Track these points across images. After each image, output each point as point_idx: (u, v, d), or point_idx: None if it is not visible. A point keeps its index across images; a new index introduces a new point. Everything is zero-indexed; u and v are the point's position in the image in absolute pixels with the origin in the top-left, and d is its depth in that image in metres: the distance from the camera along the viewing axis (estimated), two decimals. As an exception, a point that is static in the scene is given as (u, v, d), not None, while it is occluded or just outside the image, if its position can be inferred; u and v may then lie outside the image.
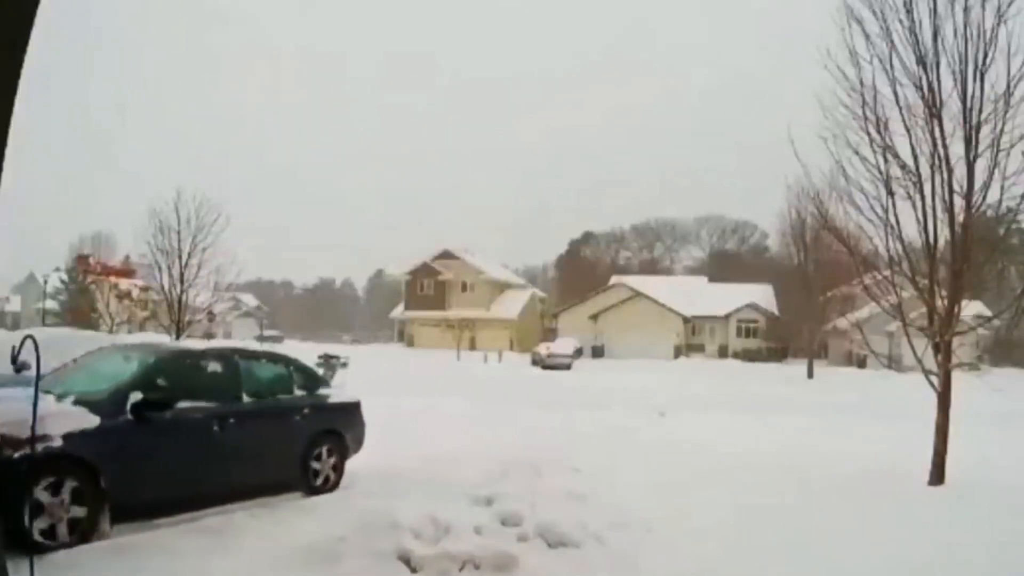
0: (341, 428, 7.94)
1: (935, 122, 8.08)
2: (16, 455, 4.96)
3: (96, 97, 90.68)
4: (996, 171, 7.87)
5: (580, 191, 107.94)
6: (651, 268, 74.46)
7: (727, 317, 52.70)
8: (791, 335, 46.21)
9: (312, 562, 5.17)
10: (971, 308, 10.13)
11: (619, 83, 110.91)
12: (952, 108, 8.02)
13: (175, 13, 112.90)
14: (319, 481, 7.58)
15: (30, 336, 4.03)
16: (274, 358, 8.09)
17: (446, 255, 58.18)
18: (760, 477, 8.99)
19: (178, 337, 29.13)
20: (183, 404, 6.33)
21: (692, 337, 53.41)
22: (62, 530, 5.24)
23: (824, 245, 30.39)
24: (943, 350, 8.37)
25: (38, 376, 4.28)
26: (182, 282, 30.44)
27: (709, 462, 10.04)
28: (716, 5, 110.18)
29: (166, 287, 30.61)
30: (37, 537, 4.97)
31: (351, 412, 8.24)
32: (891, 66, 8.18)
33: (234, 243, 31.33)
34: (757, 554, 6.09)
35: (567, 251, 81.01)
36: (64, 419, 5.45)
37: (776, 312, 51.03)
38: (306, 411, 7.59)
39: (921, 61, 8.07)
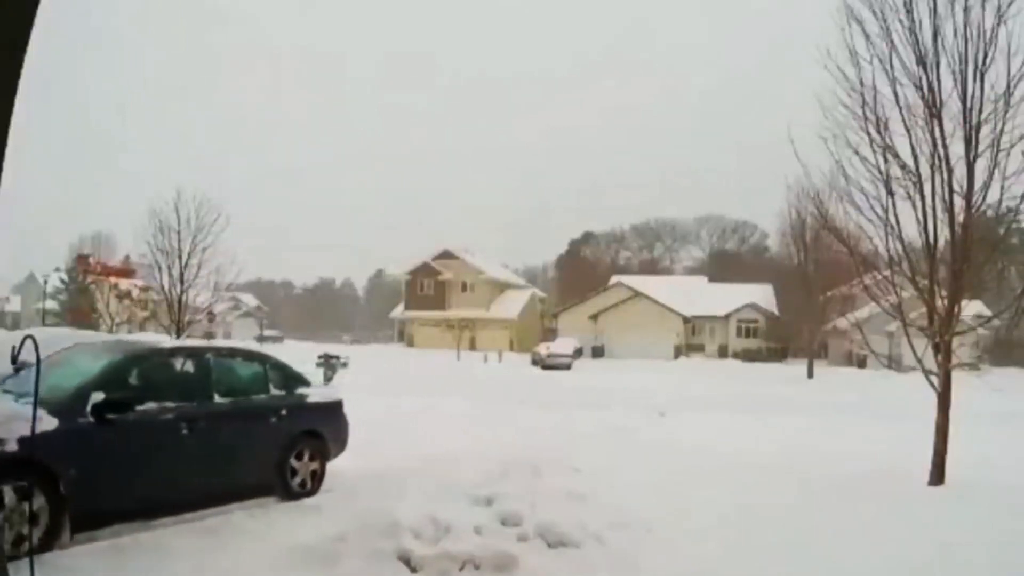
0: (321, 429, 7.57)
1: (935, 122, 8.08)
2: None
3: (96, 96, 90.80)
4: (996, 171, 7.87)
5: (580, 191, 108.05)
6: (651, 268, 74.49)
7: (727, 317, 52.71)
8: (791, 335, 46.21)
9: (312, 562, 5.18)
10: (971, 308, 10.11)
11: (619, 83, 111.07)
12: (952, 108, 8.02)
13: (175, 13, 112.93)
14: (297, 484, 7.24)
15: (30, 336, 4.03)
16: (249, 356, 7.71)
17: (446, 255, 58.19)
18: (760, 477, 8.99)
19: (178, 337, 29.19)
20: (149, 405, 6.01)
21: (692, 337, 53.42)
22: (14, 545, 4.75)
23: (824, 245, 30.39)
24: (943, 350, 8.37)
25: (38, 376, 4.28)
26: (182, 282, 30.44)
27: (709, 462, 10.04)
28: (716, 5, 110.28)
29: (166, 287, 30.61)
30: None
31: (332, 412, 7.89)
32: (891, 66, 8.18)
33: (234, 243, 31.36)
34: (757, 554, 6.08)
35: (567, 251, 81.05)
36: (20, 420, 4.93)
37: (776, 312, 51.03)
38: (283, 412, 7.24)
39: (921, 61, 8.06)
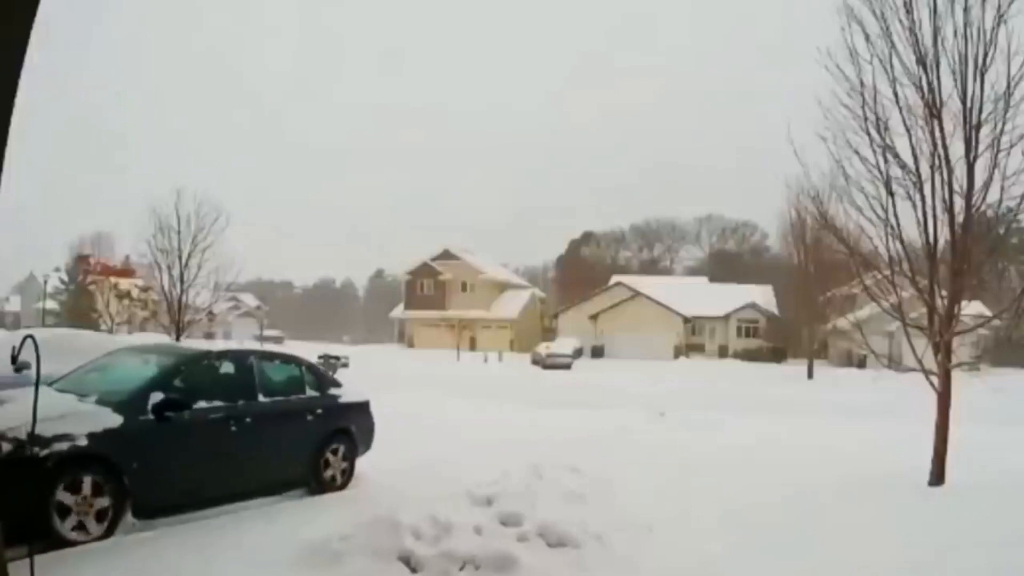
0: (351, 427, 8.08)
1: (935, 122, 8.06)
2: (43, 453, 5.14)
3: (95, 96, 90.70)
4: (996, 171, 7.85)
5: (580, 190, 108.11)
6: (651, 268, 74.51)
7: (727, 317, 52.69)
8: (791, 335, 46.23)
9: (314, 561, 5.17)
10: (971, 308, 10.08)
11: (620, 83, 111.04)
12: (952, 108, 8.00)
13: (175, 14, 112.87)
14: (329, 478, 7.74)
15: (30, 336, 4.03)
16: (287, 359, 8.26)
17: (446, 255, 58.18)
18: (760, 477, 8.99)
19: (178, 337, 29.18)
20: (201, 404, 6.48)
21: (692, 337, 53.39)
22: (83, 528, 5.38)
23: (824, 245, 30.35)
24: (943, 350, 8.36)
25: (38, 376, 4.28)
26: (182, 282, 30.48)
27: (709, 462, 10.04)
28: (716, 5, 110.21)
29: (166, 287, 30.64)
30: (62, 531, 5.24)
31: (361, 411, 8.39)
32: (891, 66, 8.16)
33: (234, 243, 31.39)
34: (757, 554, 6.08)
35: (567, 251, 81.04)
36: (88, 418, 5.56)
37: (776, 312, 51.03)
38: (318, 411, 7.74)
39: (921, 61, 8.05)
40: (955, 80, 7.93)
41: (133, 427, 5.82)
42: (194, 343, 8.20)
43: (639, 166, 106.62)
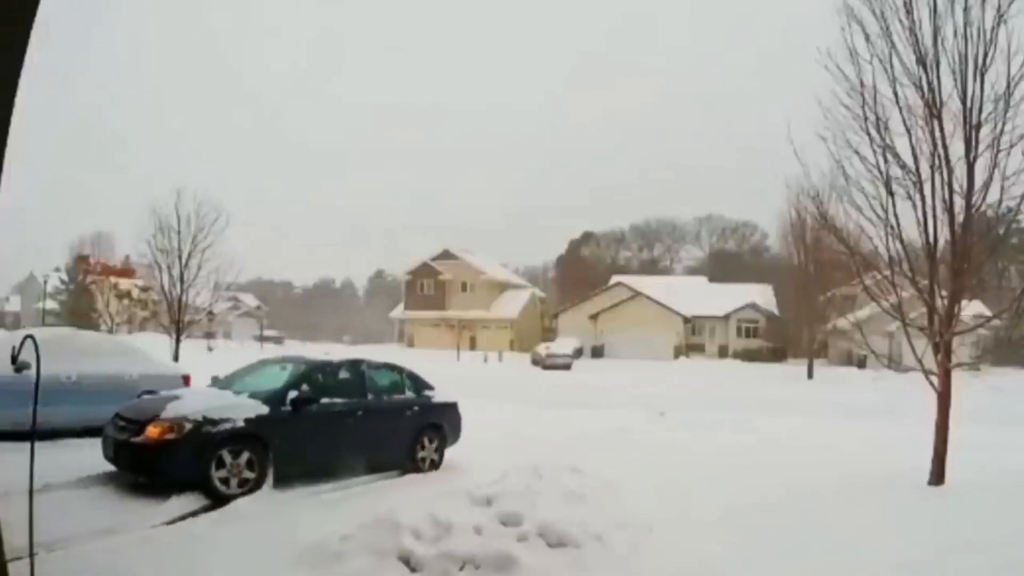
0: (442, 422, 9.63)
1: (935, 122, 8.06)
2: (213, 430, 7.13)
3: (95, 95, 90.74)
4: (996, 171, 7.85)
5: (580, 191, 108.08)
6: (651, 268, 74.45)
7: (727, 317, 52.66)
8: (791, 335, 46.14)
9: (314, 561, 5.18)
10: (971, 308, 10.08)
11: (621, 83, 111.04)
12: (952, 108, 8.00)
13: (174, 14, 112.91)
14: (424, 463, 9.27)
15: (30, 336, 4.03)
16: (391, 367, 9.79)
17: (446, 255, 58.13)
18: (760, 477, 9.00)
19: (178, 337, 29.19)
20: (325, 400, 8.25)
21: (692, 337, 53.35)
22: (234, 484, 7.17)
23: (824, 245, 30.31)
24: (943, 350, 8.36)
25: (38, 376, 4.27)
26: (182, 282, 30.46)
27: (709, 461, 10.05)
28: (716, 5, 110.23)
29: (166, 287, 30.63)
30: (218, 485, 7.05)
31: (450, 409, 9.91)
32: (891, 66, 8.16)
33: (234, 243, 31.38)
34: (758, 554, 6.08)
35: (567, 251, 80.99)
36: (244, 408, 7.52)
37: (776, 312, 50.97)
38: (415, 408, 9.41)
39: (921, 61, 8.05)
40: (955, 80, 7.93)
41: (276, 415, 7.66)
42: (353, 358, 9.50)
43: (639, 166, 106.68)
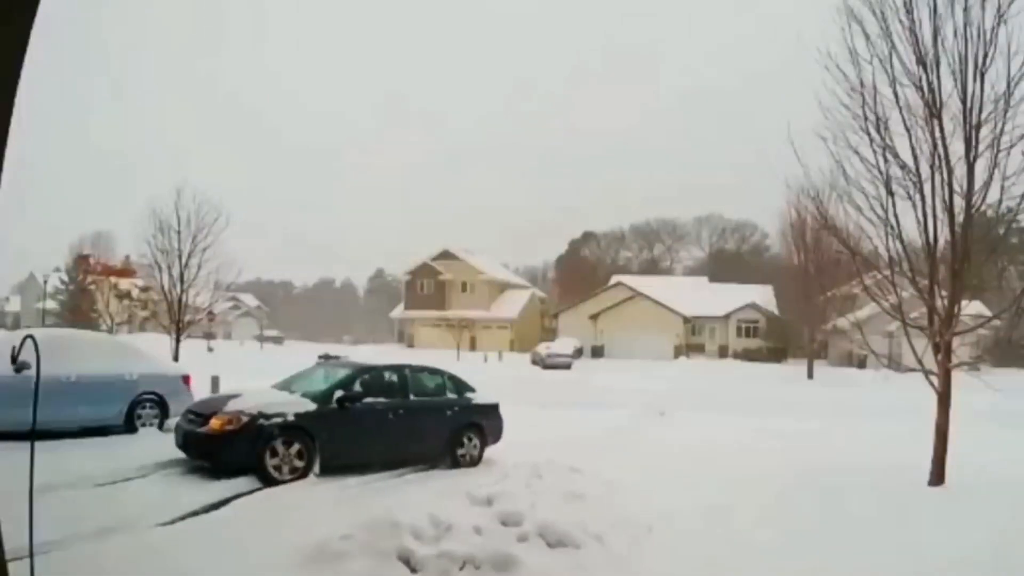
0: (481, 422, 10.27)
1: (935, 122, 8.06)
2: (267, 423, 8.05)
3: (95, 93, 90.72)
4: (996, 171, 7.85)
5: (580, 191, 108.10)
6: (651, 268, 74.43)
7: (727, 317, 52.67)
8: (791, 335, 46.15)
9: (314, 562, 5.17)
10: (971, 308, 10.08)
11: (621, 84, 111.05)
12: (952, 108, 8.00)
13: (174, 14, 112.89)
14: (464, 459, 9.89)
15: (30, 336, 4.02)
16: (433, 371, 10.56)
17: (446, 255, 58.15)
18: (760, 477, 8.99)
19: (178, 337, 29.18)
20: (368, 399, 9.05)
21: (692, 337, 53.36)
22: (285, 470, 8.04)
23: (824, 245, 30.30)
24: (943, 350, 8.36)
25: (38, 376, 4.27)
26: (182, 282, 30.44)
27: (709, 462, 10.05)
28: (716, 5, 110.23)
29: (166, 287, 30.60)
30: (271, 471, 7.92)
31: (490, 411, 10.53)
32: (891, 66, 8.16)
33: (234, 243, 31.35)
34: (758, 554, 6.09)
35: (567, 251, 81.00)
36: (296, 405, 8.48)
37: (776, 312, 50.98)
38: (456, 408, 10.09)
39: (921, 61, 8.05)
40: (955, 80, 7.93)
41: (323, 411, 8.50)
42: (397, 363, 10.25)
43: (639, 166, 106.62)
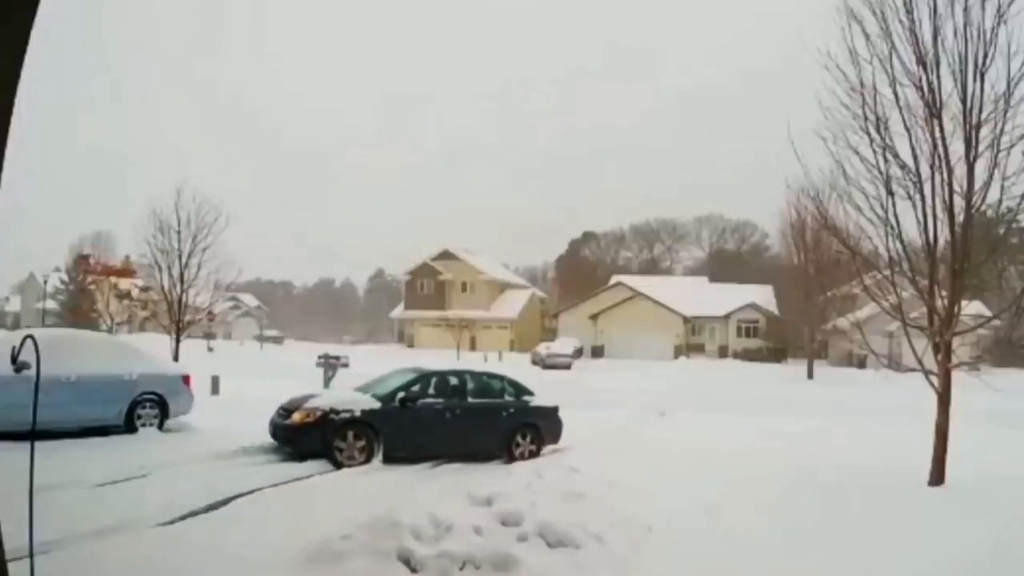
0: (538, 423, 11.22)
1: (935, 122, 8.06)
2: (336, 418, 9.51)
3: (95, 92, 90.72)
4: (996, 171, 7.85)
5: (580, 191, 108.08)
6: (651, 268, 74.41)
7: (727, 317, 52.66)
8: (791, 335, 46.11)
9: (315, 561, 5.17)
10: (971, 308, 10.08)
11: (621, 84, 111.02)
12: (952, 108, 8.00)
13: (174, 14, 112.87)
14: (518, 454, 10.75)
15: (30, 336, 4.02)
16: (492, 375, 11.94)
17: (446, 255, 58.13)
18: (760, 477, 8.99)
19: (178, 337, 29.17)
20: (427, 400, 10.33)
21: (692, 337, 53.35)
22: (351, 457, 9.43)
23: (824, 245, 30.29)
24: (943, 350, 8.36)
25: (38, 376, 4.26)
26: (182, 282, 30.43)
27: (709, 462, 10.04)
28: (716, 5, 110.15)
29: (166, 287, 30.59)
30: (341, 459, 9.29)
31: (548, 412, 11.46)
32: (891, 66, 8.16)
33: (234, 243, 31.33)
34: (757, 553, 6.08)
35: (567, 251, 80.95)
36: (363, 403, 9.88)
37: (776, 312, 50.95)
38: (512, 409, 11.15)
39: (921, 61, 8.05)
40: (955, 80, 7.93)
41: (386, 409, 9.86)
42: (457, 368, 11.64)
43: (639, 166, 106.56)
